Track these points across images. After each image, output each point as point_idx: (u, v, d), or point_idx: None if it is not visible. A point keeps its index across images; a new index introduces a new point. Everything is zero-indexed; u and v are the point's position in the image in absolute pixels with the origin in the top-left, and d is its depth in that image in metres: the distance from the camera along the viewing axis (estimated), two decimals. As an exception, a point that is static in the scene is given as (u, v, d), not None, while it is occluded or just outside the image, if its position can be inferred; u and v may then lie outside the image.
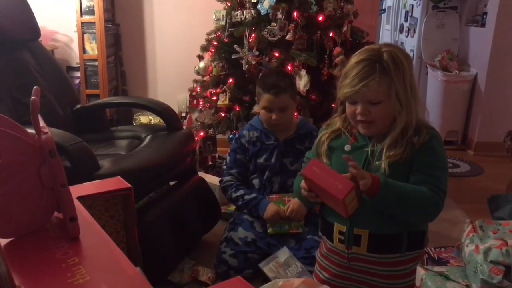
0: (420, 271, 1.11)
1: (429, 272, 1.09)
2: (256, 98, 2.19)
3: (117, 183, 1.25)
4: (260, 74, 2.19)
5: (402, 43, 4.81)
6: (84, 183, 1.23)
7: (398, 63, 1.21)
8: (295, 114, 2.22)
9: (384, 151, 1.24)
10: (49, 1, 3.36)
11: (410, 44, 4.60)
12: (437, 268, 1.10)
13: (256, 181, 2.10)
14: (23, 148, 0.85)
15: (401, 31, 4.86)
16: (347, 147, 1.32)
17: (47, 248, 0.86)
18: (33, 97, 0.86)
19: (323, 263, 1.45)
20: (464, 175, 3.39)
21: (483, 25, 3.83)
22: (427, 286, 1.05)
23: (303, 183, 1.27)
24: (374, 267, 1.33)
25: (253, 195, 2.04)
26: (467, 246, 1.05)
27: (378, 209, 1.22)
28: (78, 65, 3.42)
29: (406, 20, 4.71)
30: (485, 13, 3.79)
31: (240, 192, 2.06)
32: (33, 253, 0.85)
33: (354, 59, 1.26)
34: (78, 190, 1.16)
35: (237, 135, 2.23)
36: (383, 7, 5.24)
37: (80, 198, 1.13)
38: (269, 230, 1.98)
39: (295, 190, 1.45)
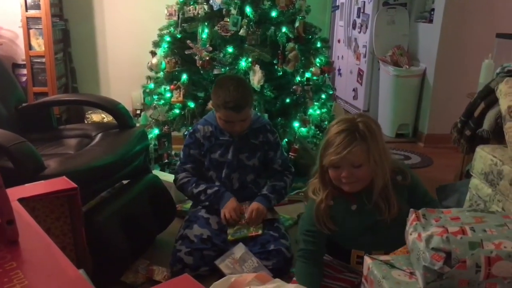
0: (367, 261, 1.13)
1: (375, 261, 1.12)
2: (212, 101, 2.13)
3: (62, 183, 1.22)
4: (216, 80, 2.10)
5: (355, 39, 4.91)
6: (26, 184, 1.19)
7: (372, 131, 1.43)
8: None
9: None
10: (-9, -5, 3.21)
11: (362, 40, 4.71)
12: (383, 257, 1.13)
13: (213, 175, 2.09)
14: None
15: (354, 27, 4.97)
16: (354, 207, 1.50)
17: (-17, 253, 0.83)
18: (-38, 95, 0.81)
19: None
20: (415, 166, 3.51)
21: (431, 21, 3.96)
22: (374, 275, 1.08)
23: None
24: None
25: (216, 188, 2.03)
26: (410, 234, 1.08)
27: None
28: (24, 62, 3.27)
29: (358, 16, 4.81)
30: (433, 10, 3.92)
31: (202, 187, 2.03)
32: (-33, 259, 0.81)
33: (333, 129, 1.44)
34: (19, 191, 1.12)
35: (191, 130, 2.19)
36: (337, 4, 5.33)
37: (21, 200, 1.08)
38: (229, 237, 1.95)
39: (299, 277, 1.53)
